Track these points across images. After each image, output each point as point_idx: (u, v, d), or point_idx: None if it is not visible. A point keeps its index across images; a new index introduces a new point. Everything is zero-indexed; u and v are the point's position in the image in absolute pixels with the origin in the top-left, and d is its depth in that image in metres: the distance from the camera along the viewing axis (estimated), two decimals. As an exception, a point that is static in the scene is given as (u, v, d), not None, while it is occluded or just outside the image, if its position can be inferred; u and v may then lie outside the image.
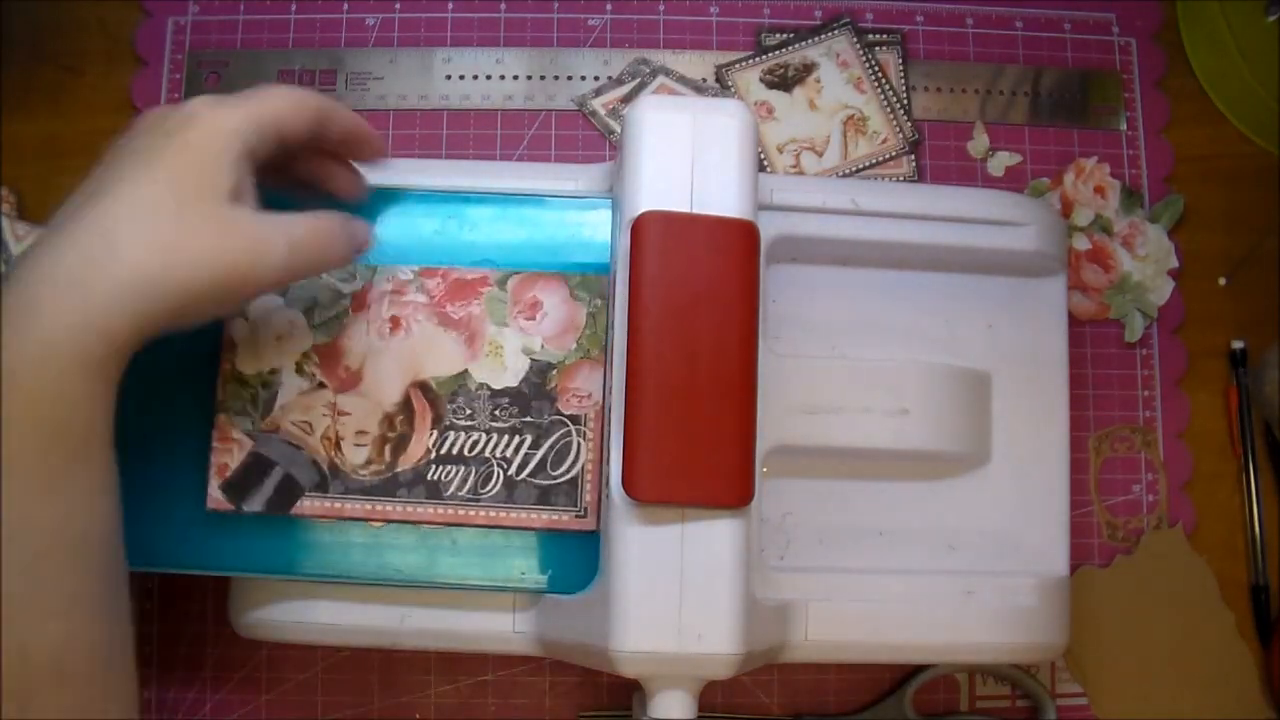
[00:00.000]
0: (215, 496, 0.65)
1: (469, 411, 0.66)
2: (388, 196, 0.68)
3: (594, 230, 0.68)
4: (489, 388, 0.66)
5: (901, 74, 0.82)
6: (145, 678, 0.75)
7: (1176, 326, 0.81)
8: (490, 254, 0.68)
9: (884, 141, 0.81)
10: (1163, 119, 0.83)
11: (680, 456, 0.58)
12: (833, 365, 0.70)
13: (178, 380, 0.66)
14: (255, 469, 0.66)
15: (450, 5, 0.82)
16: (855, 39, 0.82)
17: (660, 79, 0.81)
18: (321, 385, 0.66)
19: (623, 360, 0.60)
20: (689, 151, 0.61)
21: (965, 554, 0.71)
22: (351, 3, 0.82)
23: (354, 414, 0.66)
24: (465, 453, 0.66)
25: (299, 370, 0.66)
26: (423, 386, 0.66)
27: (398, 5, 0.82)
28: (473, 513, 0.66)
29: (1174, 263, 0.81)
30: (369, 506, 0.66)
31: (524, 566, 0.66)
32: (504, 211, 0.68)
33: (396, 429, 0.66)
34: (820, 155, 0.81)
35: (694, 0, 0.83)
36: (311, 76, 0.81)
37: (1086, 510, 0.79)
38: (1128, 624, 0.78)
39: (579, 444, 0.66)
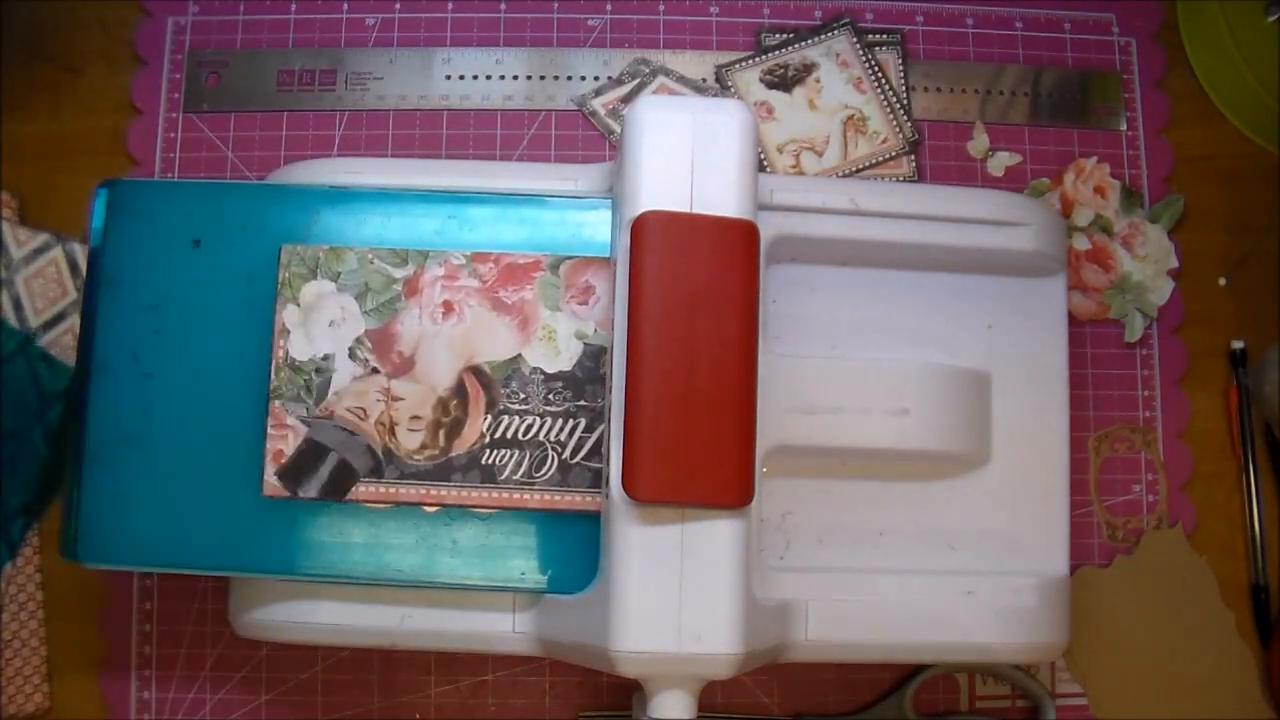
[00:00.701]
0: (271, 483, 0.66)
1: (523, 395, 0.66)
2: (392, 198, 0.68)
3: None
4: (542, 372, 0.66)
5: (901, 74, 0.82)
6: (145, 678, 0.75)
7: (1176, 326, 0.81)
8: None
9: (884, 141, 0.81)
10: (1163, 119, 0.83)
11: (680, 456, 0.58)
12: (832, 365, 0.70)
13: (229, 369, 0.66)
14: (310, 455, 0.66)
15: (450, 5, 0.82)
16: (855, 39, 0.82)
17: (660, 79, 0.81)
18: (375, 371, 0.66)
19: (622, 360, 0.60)
20: (689, 151, 0.61)
21: (965, 554, 0.71)
22: (351, 3, 0.82)
23: (408, 399, 0.66)
24: (519, 437, 0.66)
25: (352, 356, 0.66)
26: (476, 371, 0.66)
27: (397, 5, 0.82)
28: (527, 496, 0.66)
29: (1174, 263, 0.81)
30: (424, 491, 0.66)
31: (524, 567, 0.66)
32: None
33: (450, 414, 0.66)
34: (820, 155, 0.81)
35: (694, 0, 0.83)
36: (311, 76, 0.81)
37: (1086, 510, 0.79)
38: (1128, 624, 0.78)
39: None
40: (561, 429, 0.66)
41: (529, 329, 0.67)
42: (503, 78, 0.81)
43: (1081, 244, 0.80)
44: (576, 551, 0.65)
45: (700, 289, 0.59)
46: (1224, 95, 0.83)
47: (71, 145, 0.80)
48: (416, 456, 0.66)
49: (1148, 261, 0.81)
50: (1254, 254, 0.81)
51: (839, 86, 0.82)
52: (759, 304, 0.61)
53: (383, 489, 0.66)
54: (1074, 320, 0.78)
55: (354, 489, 0.66)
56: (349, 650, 0.75)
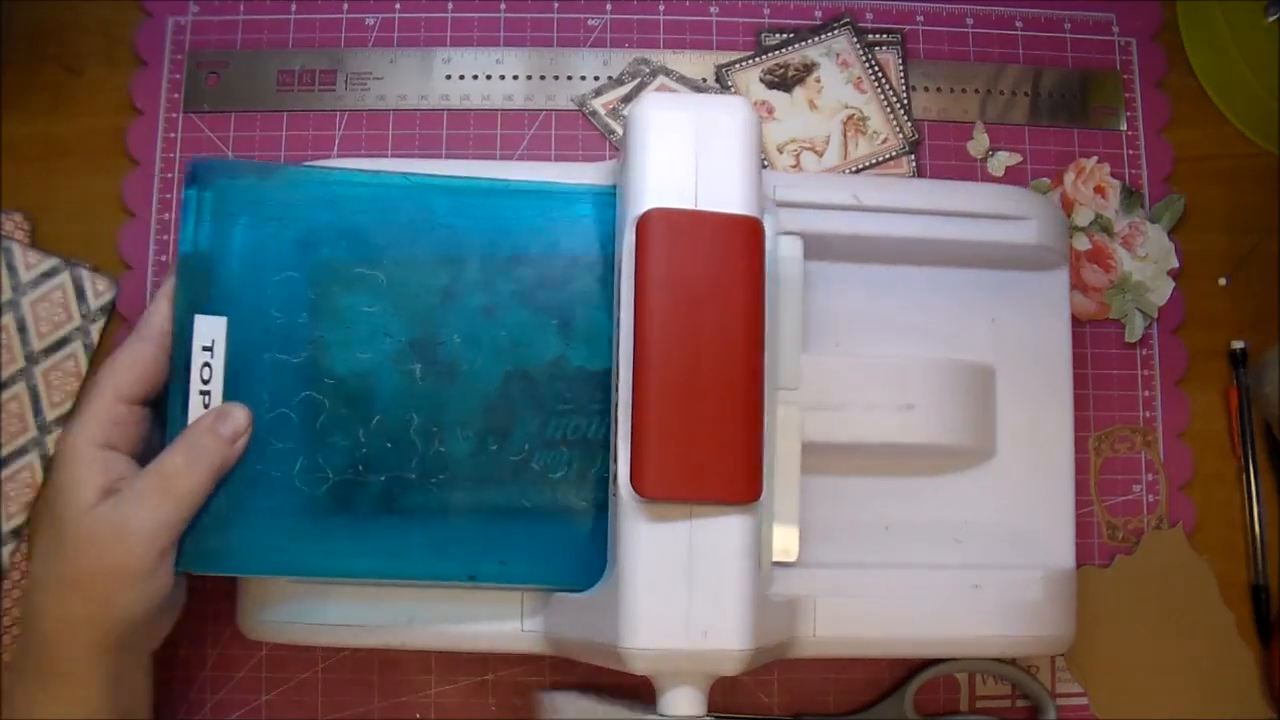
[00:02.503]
0: (323, 496, 0.65)
1: (569, 396, 0.66)
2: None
3: None
4: (587, 371, 0.66)
5: (901, 74, 0.82)
6: (145, 678, 0.75)
7: (1176, 326, 0.81)
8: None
9: (884, 141, 0.81)
10: (1163, 119, 0.83)
11: (688, 453, 0.58)
12: (837, 361, 0.70)
13: (276, 382, 0.66)
14: (363, 466, 0.66)
15: (450, 5, 0.82)
16: (855, 39, 0.82)
17: (660, 79, 0.81)
18: (419, 377, 0.66)
19: (629, 358, 0.60)
20: (692, 149, 0.61)
21: (972, 548, 0.72)
22: (351, 3, 0.82)
23: (454, 404, 0.66)
24: (567, 437, 0.66)
25: (396, 363, 0.66)
26: (521, 373, 0.66)
27: (398, 5, 0.82)
28: (578, 496, 0.66)
29: (1174, 263, 0.81)
30: (477, 498, 0.66)
31: (577, 565, 0.66)
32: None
33: (498, 417, 0.66)
34: (820, 155, 0.81)
35: (694, 0, 0.83)
36: (311, 76, 0.81)
37: (1087, 510, 0.79)
38: (1128, 624, 0.78)
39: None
40: (609, 428, 0.66)
41: (572, 328, 0.67)
42: (503, 78, 0.81)
43: (1082, 244, 0.81)
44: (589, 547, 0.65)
45: (706, 286, 0.59)
46: (1224, 95, 0.83)
47: (71, 145, 0.80)
48: (467, 462, 0.66)
49: (1148, 261, 0.81)
50: (1254, 254, 0.82)
51: (839, 86, 0.82)
52: (765, 300, 0.61)
53: (434, 496, 0.66)
54: (1074, 320, 0.78)
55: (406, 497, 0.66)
56: (349, 650, 0.75)
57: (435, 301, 0.67)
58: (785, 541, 0.68)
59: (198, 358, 0.65)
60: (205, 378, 0.65)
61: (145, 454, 0.64)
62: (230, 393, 0.65)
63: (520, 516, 0.66)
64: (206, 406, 0.64)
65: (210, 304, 0.65)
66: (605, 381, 0.66)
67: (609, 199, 0.67)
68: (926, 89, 0.82)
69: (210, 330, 0.65)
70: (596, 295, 0.67)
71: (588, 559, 0.65)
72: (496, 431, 0.66)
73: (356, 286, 0.66)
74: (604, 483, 0.65)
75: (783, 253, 0.69)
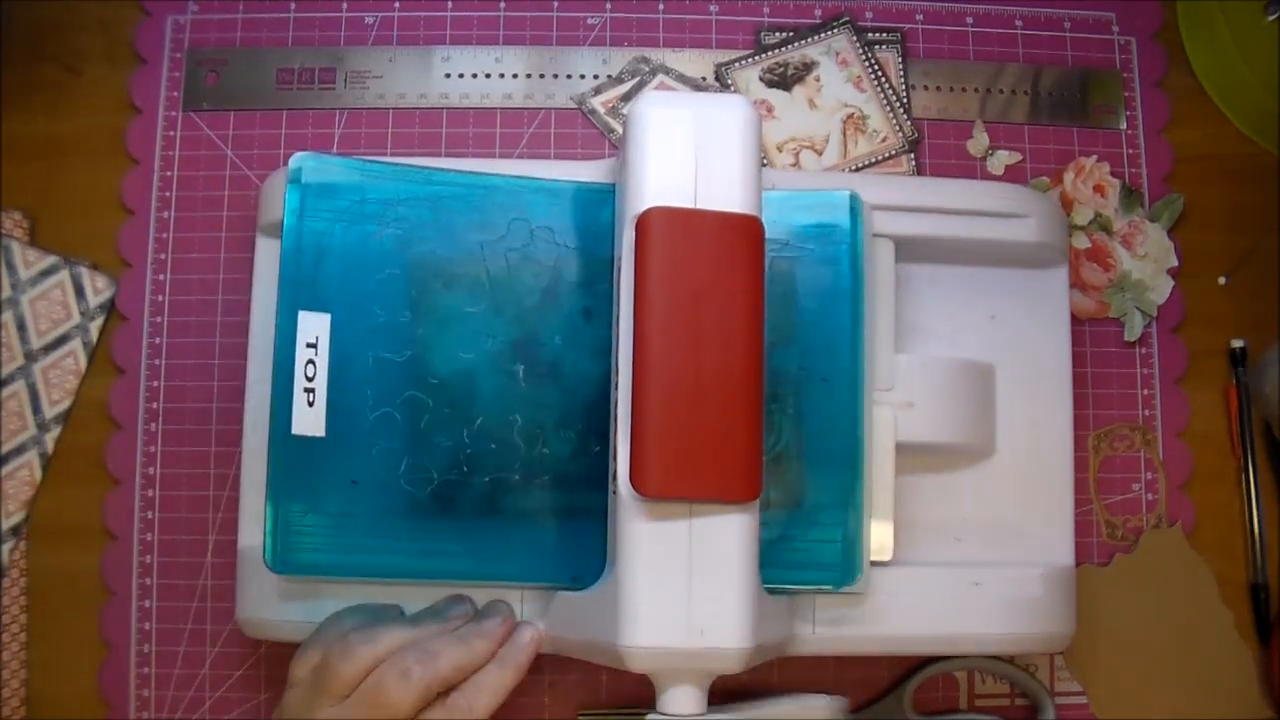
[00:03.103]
0: (427, 497, 0.66)
1: None
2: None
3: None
4: None
5: (901, 73, 0.82)
6: (144, 676, 0.75)
7: (1176, 326, 0.81)
8: None
9: (884, 140, 0.81)
10: (1163, 119, 0.83)
11: (688, 452, 0.58)
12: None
13: (380, 381, 0.66)
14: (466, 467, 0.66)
15: (449, 4, 0.82)
16: (855, 38, 0.82)
17: (660, 77, 0.81)
18: (522, 379, 0.66)
19: (628, 356, 0.59)
20: (692, 147, 0.61)
21: (971, 545, 0.72)
22: (350, 1, 0.82)
23: (556, 406, 0.67)
24: None
25: (498, 364, 0.66)
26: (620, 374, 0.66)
27: (397, 4, 0.82)
28: None
29: (1174, 262, 0.81)
30: (581, 499, 0.66)
31: None
32: None
33: (599, 419, 0.66)
34: (820, 154, 0.81)
35: (693, -1, 0.83)
36: (311, 75, 0.81)
37: (1086, 509, 0.79)
38: (1128, 624, 0.78)
39: (781, 421, 0.67)
40: None
41: None
42: (502, 76, 0.81)
43: (1081, 243, 0.80)
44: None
45: (706, 284, 0.59)
46: (1224, 95, 0.83)
47: (71, 145, 0.80)
48: (571, 463, 0.66)
49: (1147, 260, 0.81)
50: (1254, 254, 0.82)
51: (839, 85, 0.82)
52: (764, 298, 0.61)
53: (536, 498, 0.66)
54: (1074, 319, 0.78)
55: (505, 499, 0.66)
56: (348, 649, 0.75)
57: (535, 302, 0.67)
58: (881, 539, 0.68)
59: (302, 354, 0.64)
60: (310, 375, 0.64)
61: None
62: (334, 391, 0.64)
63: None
64: (311, 405, 0.64)
65: (314, 300, 0.65)
66: None
67: None
68: (926, 88, 0.82)
69: (314, 327, 0.64)
70: None
71: None
72: (598, 433, 0.66)
73: (457, 286, 0.67)
74: None
75: (876, 255, 0.70)
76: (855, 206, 0.68)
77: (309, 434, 0.64)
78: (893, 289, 0.70)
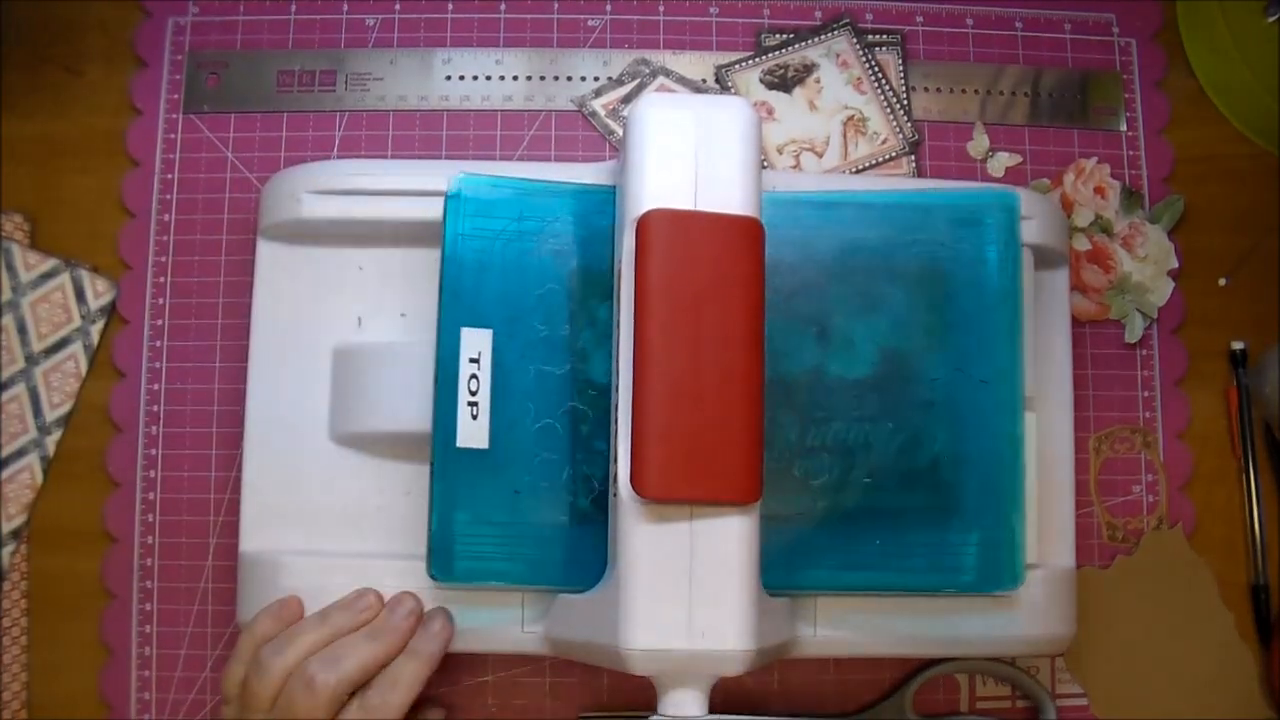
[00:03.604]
0: (588, 505, 0.66)
1: (828, 403, 0.67)
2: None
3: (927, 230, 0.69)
4: (845, 379, 0.67)
5: (901, 74, 0.82)
6: (145, 679, 0.75)
7: (1176, 327, 0.81)
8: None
9: (884, 142, 0.81)
10: (1163, 119, 0.83)
11: (688, 454, 0.58)
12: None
13: (541, 393, 0.67)
14: None
15: (450, 6, 0.82)
16: (855, 39, 0.82)
17: (660, 79, 0.81)
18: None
19: (629, 358, 0.60)
20: (693, 149, 0.61)
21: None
22: (351, 3, 0.82)
23: None
24: (829, 443, 0.67)
25: None
26: (780, 382, 0.67)
27: (397, 6, 0.82)
28: (840, 501, 0.67)
29: (1174, 263, 0.81)
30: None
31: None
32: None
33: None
34: (820, 156, 0.81)
35: (694, 0, 0.83)
36: (311, 77, 0.81)
37: (1087, 510, 0.79)
38: (1128, 624, 0.78)
39: (935, 429, 0.67)
40: (869, 434, 0.67)
41: (828, 337, 0.68)
42: (503, 78, 0.81)
43: (1082, 244, 0.80)
44: (908, 554, 0.67)
45: (706, 286, 0.59)
46: (1224, 95, 0.83)
47: (71, 145, 0.80)
48: None
49: (1148, 262, 0.81)
50: (1254, 254, 0.82)
51: (839, 87, 0.82)
52: (764, 300, 0.61)
53: None
54: (1074, 321, 0.78)
55: None
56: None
57: None
58: (1031, 542, 0.69)
59: (465, 370, 0.65)
60: (473, 389, 0.65)
61: None
62: (497, 404, 0.66)
63: (780, 522, 0.66)
64: (474, 418, 0.65)
65: (475, 317, 0.66)
66: (861, 389, 0.67)
67: (868, 204, 0.69)
68: (926, 89, 0.82)
69: (476, 343, 0.66)
70: (852, 302, 0.68)
71: (848, 561, 0.67)
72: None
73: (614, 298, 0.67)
74: (866, 489, 0.67)
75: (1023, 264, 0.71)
76: (1015, 207, 0.69)
77: (473, 446, 0.65)
78: (1033, 299, 0.71)
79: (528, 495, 0.66)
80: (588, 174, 0.70)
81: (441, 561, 0.65)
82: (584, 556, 0.65)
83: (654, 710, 0.61)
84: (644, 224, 0.60)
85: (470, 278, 0.67)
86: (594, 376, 0.67)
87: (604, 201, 0.68)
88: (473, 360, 0.66)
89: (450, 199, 0.67)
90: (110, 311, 0.77)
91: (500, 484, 0.66)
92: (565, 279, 0.68)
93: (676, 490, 0.58)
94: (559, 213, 0.68)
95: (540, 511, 0.66)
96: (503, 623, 0.68)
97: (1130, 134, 0.82)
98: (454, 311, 0.66)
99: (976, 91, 0.82)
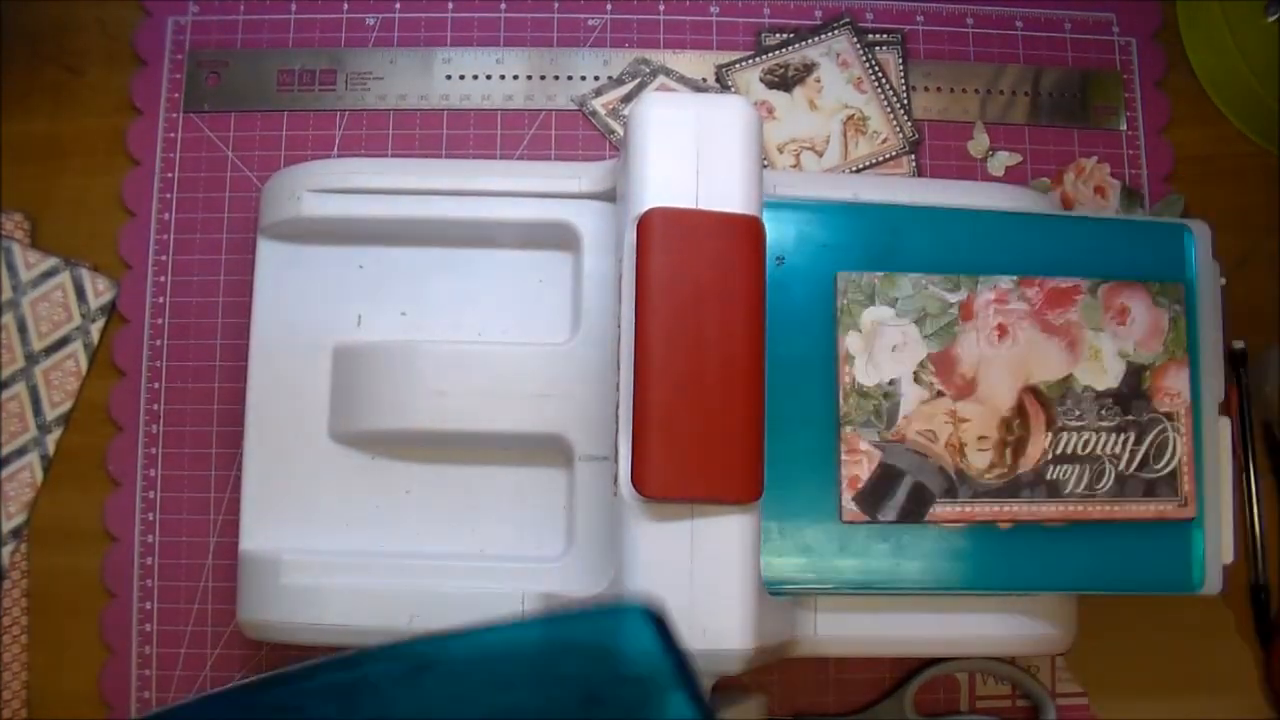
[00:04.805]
0: (849, 509, 0.66)
1: (1078, 413, 0.67)
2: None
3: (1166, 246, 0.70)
4: (1093, 389, 0.67)
5: (901, 74, 0.82)
6: (145, 678, 0.75)
7: (1176, 326, 0.81)
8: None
9: (884, 141, 0.81)
10: (1163, 119, 0.83)
11: (689, 453, 0.58)
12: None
13: (795, 396, 0.66)
14: (886, 479, 0.66)
15: (450, 5, 0.82)
16: (855, 39, 0.82)
17: (660, 79, 0.81)
18: (940, 394, 0.67)
19: (630, 357, 0.60)
20: (693, 148, 0.62)
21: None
22: (351, 2, 0.82)
23: (973, 420, 0.67)
24: (1078, 452, 0.67)
25: (917, 380, 0.67)
26: (1034, 390, 0.67)
27: (398, 5, 0.82)
28: (1089, 508, 0.67)
29: (1174, 262, 0.81)
30: (996, 509, 0.66)
31: (1088, 574, 0.68)
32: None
33: (1014, 432, 0.67)
34: (820, 155, 0.81)
35: (694, 0, 0.83)
36: (311, 76, 0.81)
37: (1087, 510, 0.79)
38: (1128, 624, 0.78)
39: (1174, 438, 0.68)
40: (1115, 443, 0.67)
41: (1077, 350, 0.68)
42: (503, 78, 0.81)
43: (1082, 244, 0.81)
44: (1143, 557, 0.68)
45: (707, 285, 0.59)
46: (1224, 95, 0.83)
47: (71, 145, 0.80)
48: (987, 476, 0.67)
49: (1148, 261, 0.81)
50: (1254, 254, 0.82)
51: (839, 86, 0.82)
52: (765, 299, 0.61)
53: (958, 509, 0.66)
54: (1074, 320, 0.78)
55: (931, 510, 0.66)
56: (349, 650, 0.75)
57: (951, 319, 0.67)
58: (1226, 541, 0.70)
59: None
60: None
61: None
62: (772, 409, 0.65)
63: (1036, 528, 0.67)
64: None
65: None
66: (1107, 400, 0.68)
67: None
68: (926, 89, 0.82)
69: None
70: (1096, 317, 0.68)
71: (1100, 567, 0.68)
72: (1012, 445, 0.67)
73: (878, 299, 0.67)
74: (1108, 493, 0.68)
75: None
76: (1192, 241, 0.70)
77: None
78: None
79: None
80: (587, 174, 0.70)
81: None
82: (823, 564, 0.66)
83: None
84: (645, 223, 0.60)
85: None
86: (815, 395, 0.67)
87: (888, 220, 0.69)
88: None
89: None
90: (110, 310, 0.77)
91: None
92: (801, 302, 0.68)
93: (677, 489, 0.58)
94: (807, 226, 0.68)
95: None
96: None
97: (1130, 133, 0.82)
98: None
99: (976, 91, 0.82)
